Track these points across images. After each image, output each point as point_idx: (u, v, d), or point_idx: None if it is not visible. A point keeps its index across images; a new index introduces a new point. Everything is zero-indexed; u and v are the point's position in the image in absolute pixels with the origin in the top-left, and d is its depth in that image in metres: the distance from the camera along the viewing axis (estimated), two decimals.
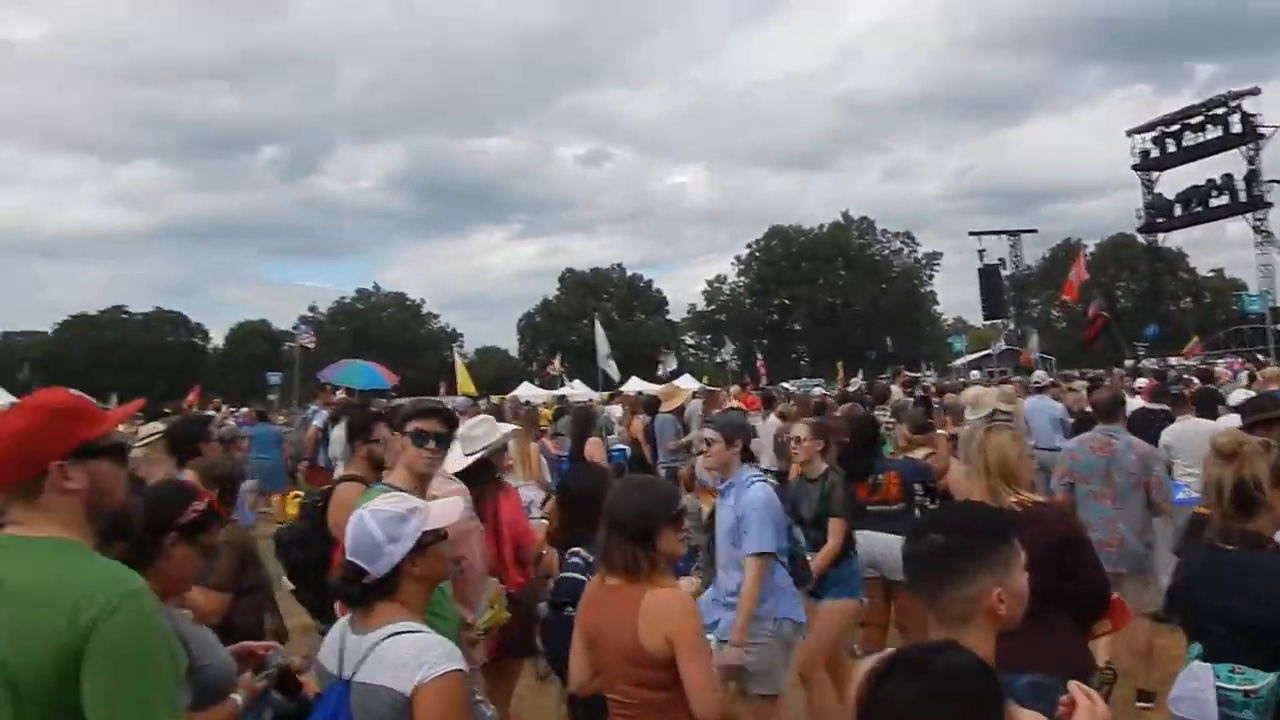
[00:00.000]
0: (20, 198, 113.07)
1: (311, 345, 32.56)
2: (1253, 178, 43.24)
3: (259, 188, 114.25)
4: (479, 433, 4.59)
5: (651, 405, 11.89)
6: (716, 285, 79.16)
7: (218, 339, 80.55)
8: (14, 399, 28.92)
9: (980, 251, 53.30)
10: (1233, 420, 6.23)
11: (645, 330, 71.22)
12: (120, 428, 2.89)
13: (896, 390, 13.91)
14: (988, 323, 56.38)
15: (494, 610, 3.88)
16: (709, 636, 3.04)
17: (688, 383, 23.05)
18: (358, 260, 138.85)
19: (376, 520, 2.51)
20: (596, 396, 20.70)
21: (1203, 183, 45.97)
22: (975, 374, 32.16)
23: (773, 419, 10.52)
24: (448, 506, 2.74)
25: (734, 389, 19.35)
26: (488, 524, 4.43)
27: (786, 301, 74.57)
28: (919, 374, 31.24)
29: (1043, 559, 2.68)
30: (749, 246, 78.56)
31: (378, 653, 2.40)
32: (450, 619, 3.27)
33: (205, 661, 2.59)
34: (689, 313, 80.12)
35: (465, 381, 20.90)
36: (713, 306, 78.66)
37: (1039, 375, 16.49)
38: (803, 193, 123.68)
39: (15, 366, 52.79)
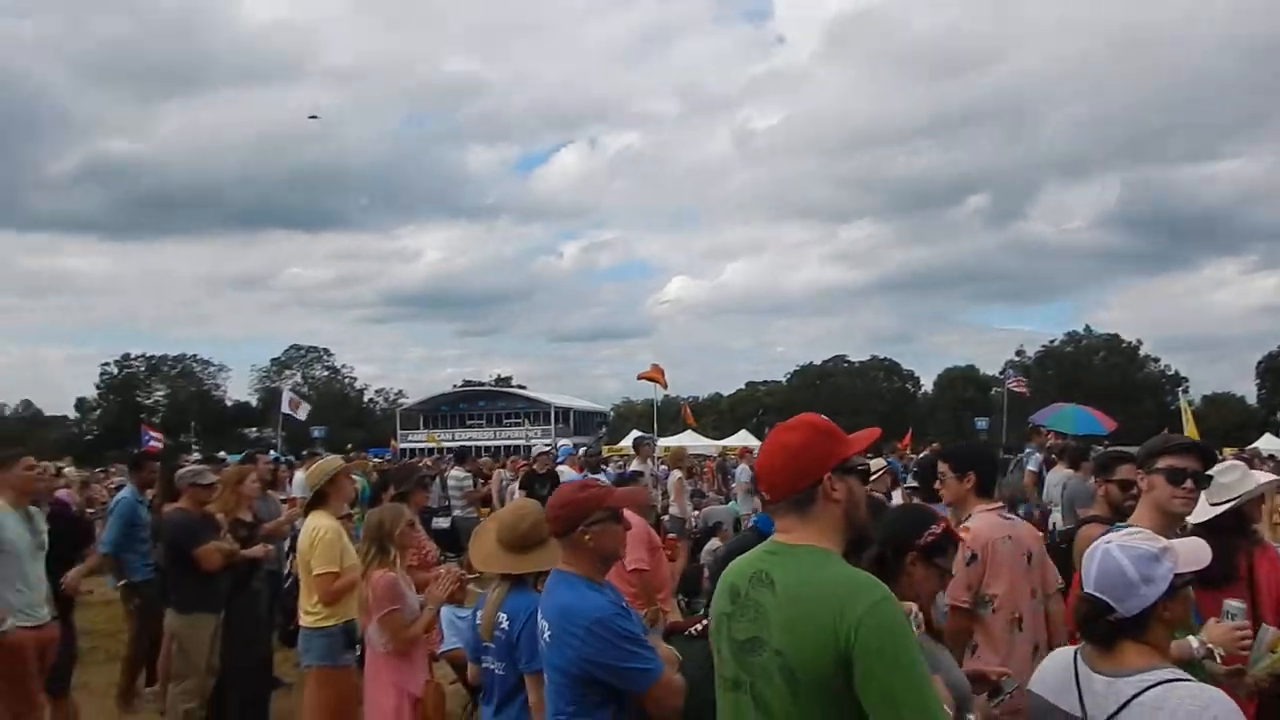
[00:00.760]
0: (762, 264, 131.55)
1: (1023, 391, 32.12)
2: None
3: (964, 236, 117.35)
4: (1229, 480, 4.10)
5: None
6: None
7: (927, 384, 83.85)
8: (755, 440, 33.25)
9: None
10: None
11: None
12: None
13: None
14: None
15: (1275, 656, 3.37)
16: None
17: None
18: (1065, 302, 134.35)
19: (1128, 557, 2.38)
20: None
21: None
22: None
23: None
24: (1195, 549, 2.51)
25: None
26: (1240, 581, 3.93)
27: None
28: None
29: None
30: None
31: (1146, 701, 2.26)
32: None
33: (945, 679, 2.68)
34: None
35: (1191, 430, 18.92)
36: None
37: None
38: None
39: (753, 413, 61.17)
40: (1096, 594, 2.40)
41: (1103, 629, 2.40)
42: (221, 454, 14.05)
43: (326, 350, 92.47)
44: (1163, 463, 3.53)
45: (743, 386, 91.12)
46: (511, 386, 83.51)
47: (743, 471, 15.07)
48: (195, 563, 6.54)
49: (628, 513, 3.50)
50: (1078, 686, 2.44)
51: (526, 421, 70.97)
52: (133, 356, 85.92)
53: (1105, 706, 2.34)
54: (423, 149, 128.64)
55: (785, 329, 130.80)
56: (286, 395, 26.49)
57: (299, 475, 10.85)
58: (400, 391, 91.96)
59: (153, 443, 15.81)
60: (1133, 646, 2.36)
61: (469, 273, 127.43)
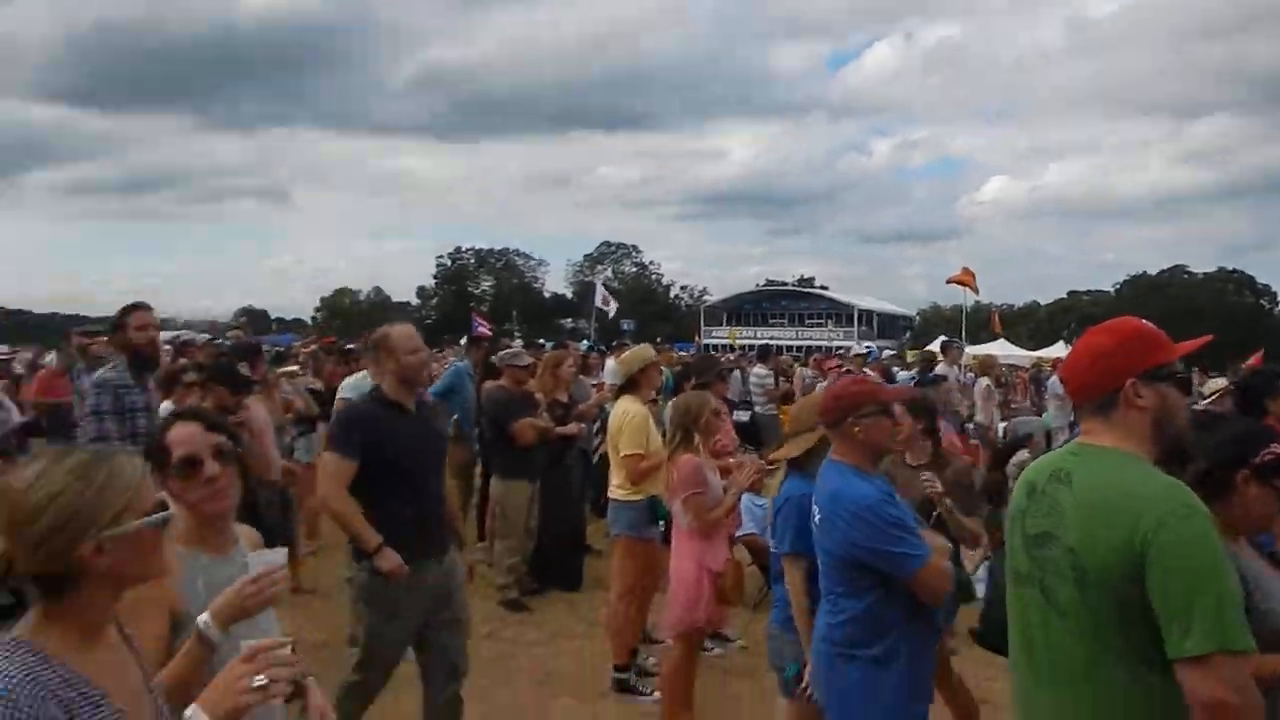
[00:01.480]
0: (1092, 164, 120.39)
1: None
2: None
3: None
4: None
5: None
6: None
7: None
8: (1065, 347, 30.96)
9: None
10: None
11: None
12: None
13: None
14: None
15: None
16: None
17: None
18: None
19: None
20: None
21: None
22: None
23: None
24: None
25: None
26: None
27: None
28: None
29: None
30: None
31: None
32: None
33: (1265, 606, 2.49)
34: None
35: None
36: None
37: None
38: None
39: (1073, 323, 56.80)
40: None
41: None
42: (541, 341, 15.10)
43: (635, 247, 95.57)
44: None
45: (1063, 295, 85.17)
46: (814, 288, 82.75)
47: (1055, 384, 14.22)
48: (512, 436, 7.24)
49: None
50: None
51: (830, 323, 70.28)
52: (463, 250, 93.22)
53: None
54: (731, 48, 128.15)
55: (1115, 234, 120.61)
56: (599, 290, 27.79)
57: (610, 363, 11.49)
58: (704, 289, 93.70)
59: (482, 329, 17.21)
60: None
61: (775, 171, 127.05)
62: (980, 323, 36.11)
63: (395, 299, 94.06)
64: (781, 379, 16.05)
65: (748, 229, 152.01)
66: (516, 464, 7.36)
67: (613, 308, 27.27)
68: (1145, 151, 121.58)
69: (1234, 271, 77.01)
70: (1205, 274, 77.14)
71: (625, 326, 42.61)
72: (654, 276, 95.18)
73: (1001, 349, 31.30)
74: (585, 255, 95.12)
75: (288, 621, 2.72)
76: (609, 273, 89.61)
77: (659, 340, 25.32)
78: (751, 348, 26.11)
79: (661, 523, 5.63)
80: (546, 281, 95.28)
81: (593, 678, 5.92)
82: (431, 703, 4.27)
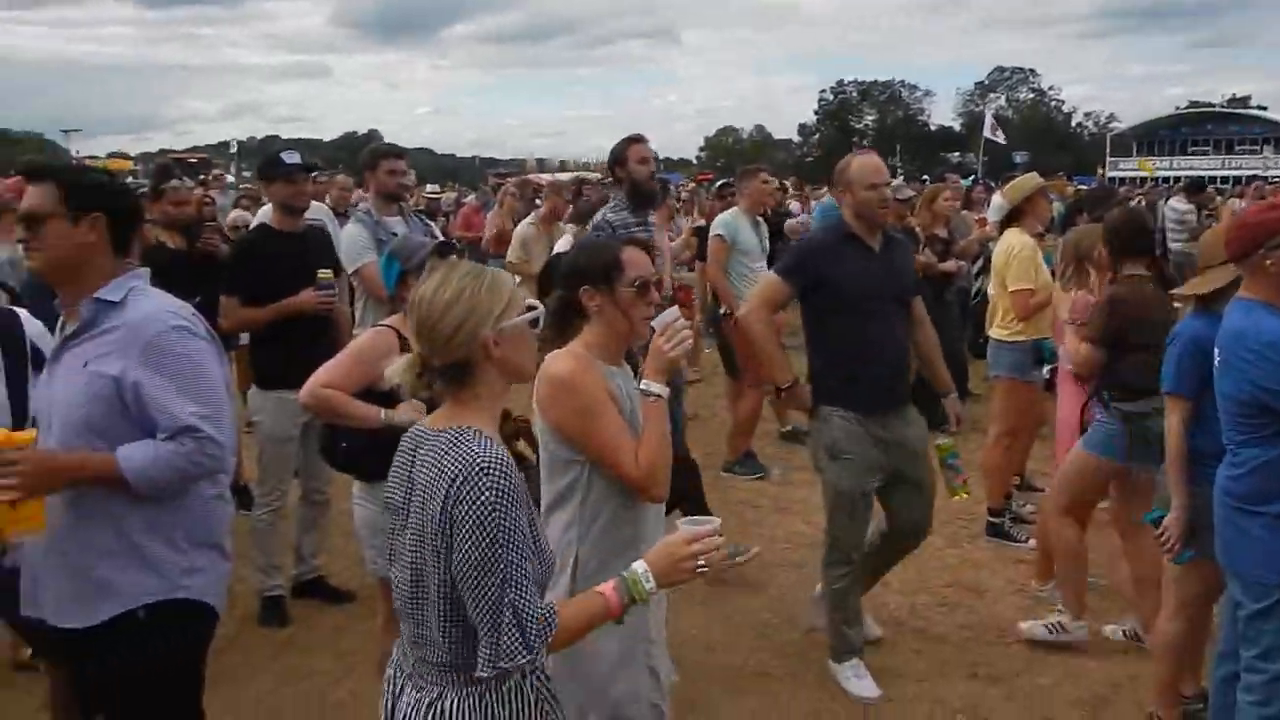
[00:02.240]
0: None
1: None
2: None
3: None
4: None
5: None
6: None
7: None
8: None
9: None
10: None
11: None
12: None
13: None
14: None
15: None
16: None
17: None
18: None
19: None
20: None
21: None
22: None
23: None
24: None
25: None
26: None
27: None
28: None
29: None
30: None
31: None
32: None
33: None
34: None
35: None
36: None
37: None
38: None
39: None
40: None
41: None
42: (924, 177, 14.47)
43: (1032, 71, 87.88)
44: None
45: None
46: (1248, 107, 71.53)
47: None
48: None
49: None
50: None
51: (1268, 148, 60.75)
52: (845, 83, 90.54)
53: None
54: None
55: None
56: (988, 119, 25.98)
57: (996, 199, 10.80)
58: (1111, 115, 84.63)
59: None
60: None
61: None
62: None
63: (776, 136, 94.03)
64: (1205, 213, 14.21)
65: (1164, 45, 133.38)
66: None
67: (1001, 137, 25.37)
68: None
69: None
70: None
71: (1017, 159, 39.55)
72: (1052, 103, 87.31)
73: None
74: (975, 83, 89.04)
75: None
76: (1001, 100, 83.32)
77: (1059, 173, 23.25)
78: (1165, 180, 23.28)
79: (1047, 367, 5.33)
80: (932, 113, 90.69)
81: (965, 521, 5.83)
82: (883, 556, 4.32)
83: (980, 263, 8.27)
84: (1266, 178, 28.17)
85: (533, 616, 1.80)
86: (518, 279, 6.24)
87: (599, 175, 18.88)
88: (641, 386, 2.48)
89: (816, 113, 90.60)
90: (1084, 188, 20.93)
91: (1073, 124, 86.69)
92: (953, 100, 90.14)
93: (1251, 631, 3.06)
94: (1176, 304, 4.13)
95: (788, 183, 18.24)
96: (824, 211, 9.35)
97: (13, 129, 76.15)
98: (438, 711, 1.88)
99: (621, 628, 2.03)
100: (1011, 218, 5.80)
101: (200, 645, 2.60)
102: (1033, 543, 5.26)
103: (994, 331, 5.69)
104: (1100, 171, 38.81)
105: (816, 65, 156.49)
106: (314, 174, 5.76)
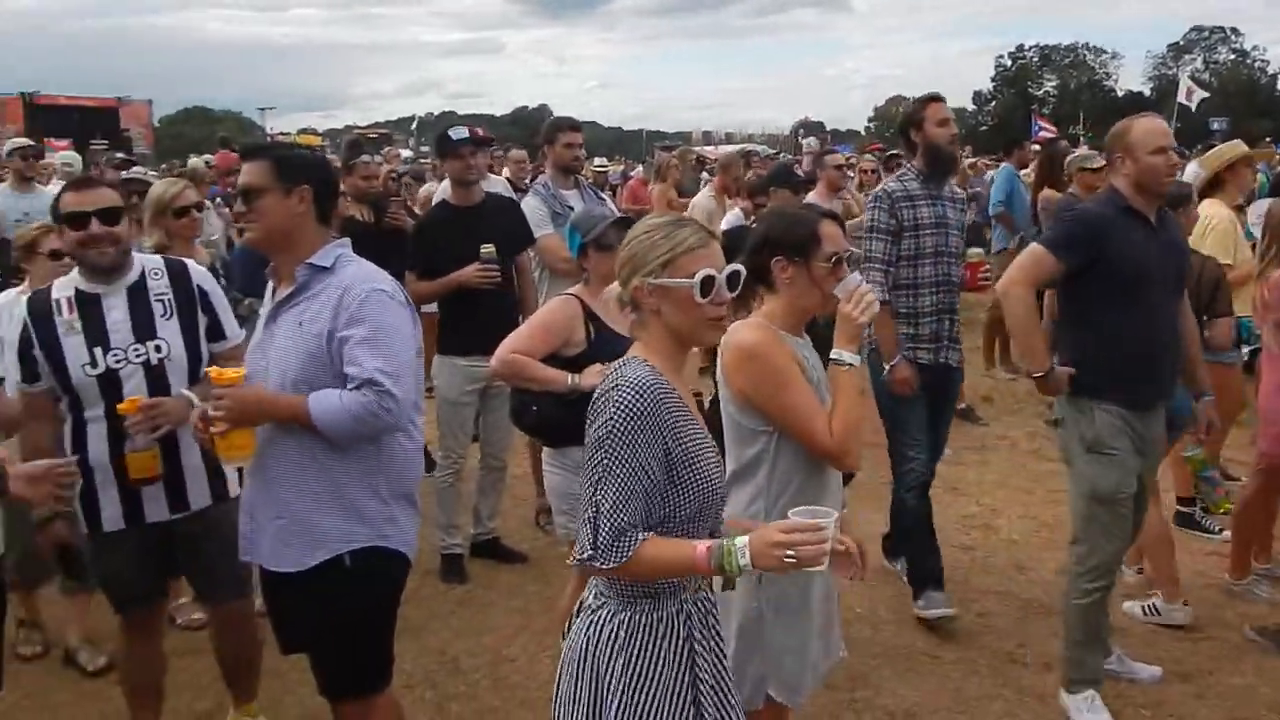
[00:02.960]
0: None
1: None
2: None
3: None
4: None
5: None
6: None
7: None
8: None
9: None
10: None
11: None
12: None
13: None
14: None
15: None
16: None
17: None
18: None
19: None
20: None
21: None
22: None
23: None
24: None
25: None
26: None
27: None
28: None
29: None
30: None
31: None
32: None
33: None
34: None
35: None
36: None
37: None
38: None
39: None
40: None
41: None
42: None
43: (1234, 30, 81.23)
44: None
45: None
46: None
47: None
48: None
49: None
50: None
51: None
52: (1026, 47, 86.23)
53: None
54: None
55: None
56: (1184, 83, 24.23)
57: (1191, 167, 10.14)
58: None
59: (1043, 133, 15.99)
60: None
61: None
62: None
63: (951, 104, 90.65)
64: None
65: None
66: None
67: (1196, 99, 23.59)
68: None
69: None
70: None
71: (1215, 126, 36.73)
72: (1257, 65, 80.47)
73: None
74: (1169, 45, 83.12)
75: None
76: (1198, 63, 77.50)
77: (1266, 140, 21.50)
78: None
79: (1246, 347, 4.99)
80: (1120, 78, 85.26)
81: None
82: None
83: None
84: None
85: (612, 527, 1.87)
86: None
87: (768, 149, 18.71)
88: (833, 355, 2.47)
89: (993, 79, 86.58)
90: None
91: (1278, 87, 79.97)
92: (1142, 64, 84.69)
93: None
94: None
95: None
96: (1007, 179, 9.02)
97: (214, 107, 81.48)
98: (595, 621, 2.00)
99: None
100: (1211, 187, 5.43)
101: (395, 592, 2.78)
102: (1226, 534, 4.96)
103: None
104: None
105: (994, 29, 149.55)
106: (489, 148, 5.92)
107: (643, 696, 1.95)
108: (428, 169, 12.93)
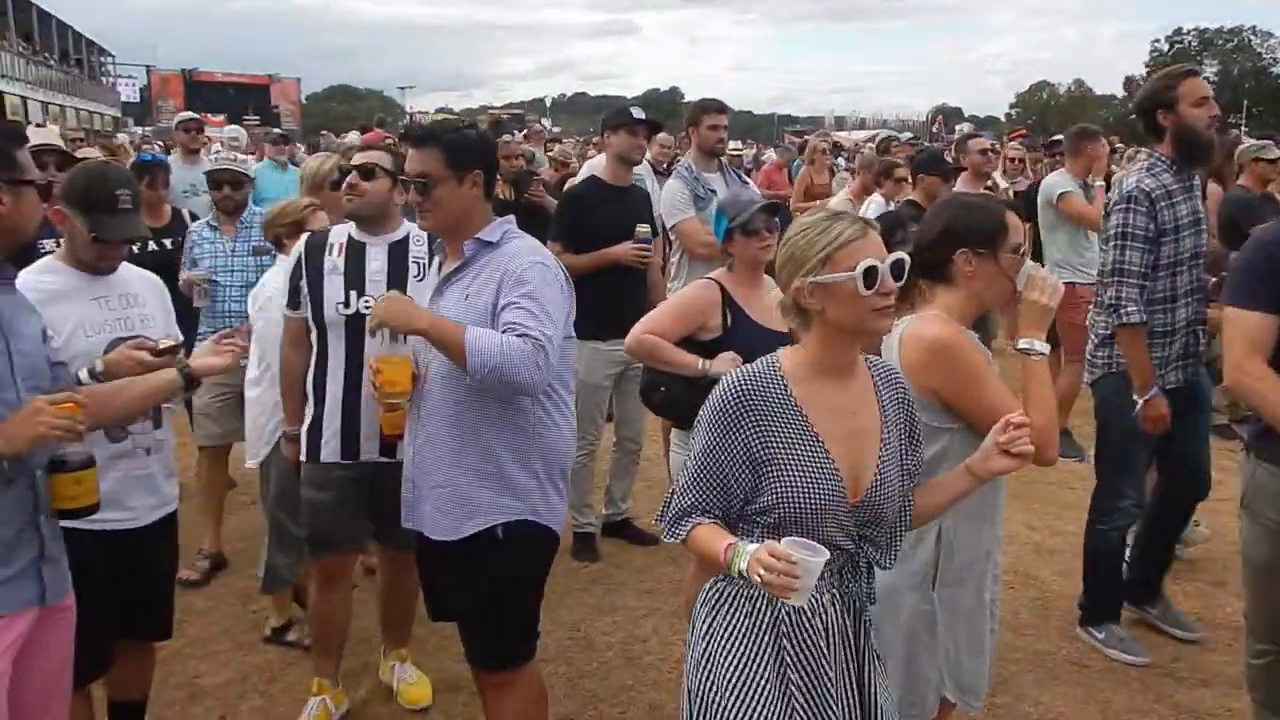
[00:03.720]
0: None
1: None
2: None
3: None
4: None
5: None
6: None
7: None
8: None
9: None
10: None
11: None
12: None
13: None
14: None
15: None
16: None
17: None
18: None
19: None
20: None
21: None
22: None
23: None
24: None
25: None
26: None
27: None
28: None
29: None
30: None
31: None
32: None
33: None
34: None
35: None
36: None
37: None
38: None
39: None
40: None
41: None
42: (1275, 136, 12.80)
43: None
44: None
45: None
46: None
47: None
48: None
49: None
50: None
51: None
52: (1184, 31, 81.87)
53: None
54: None
55: None
56: None
57: None
58: None
59: None
60: None
61: None
62: None
63: (1098, 92, 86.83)
64: None
65: None
66: None
67: None
68: None
69: None
70: None
71: None
72: None
73: None
74: None
75: None
76: None
77: None
78: None
79: None
80: None
81: None
82: None
83: None
84: None
85: (678, 506, 2.02)
86: None
87: (909, 134, 18.22)
88: (1022, 344, 2.39)
89: (1147, 64, 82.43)
90: None
91: None
92: None
93: None
94: None
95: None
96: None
97: (358, 85, 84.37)
98: (711, 583, 2.09)
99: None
100: None
101: (544, 565, 2.86)
102: None
103: None
104: None
105: (1150, 11, 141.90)
106: (657, 133, 6.01)
107: (721, 643, 2.01)
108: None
